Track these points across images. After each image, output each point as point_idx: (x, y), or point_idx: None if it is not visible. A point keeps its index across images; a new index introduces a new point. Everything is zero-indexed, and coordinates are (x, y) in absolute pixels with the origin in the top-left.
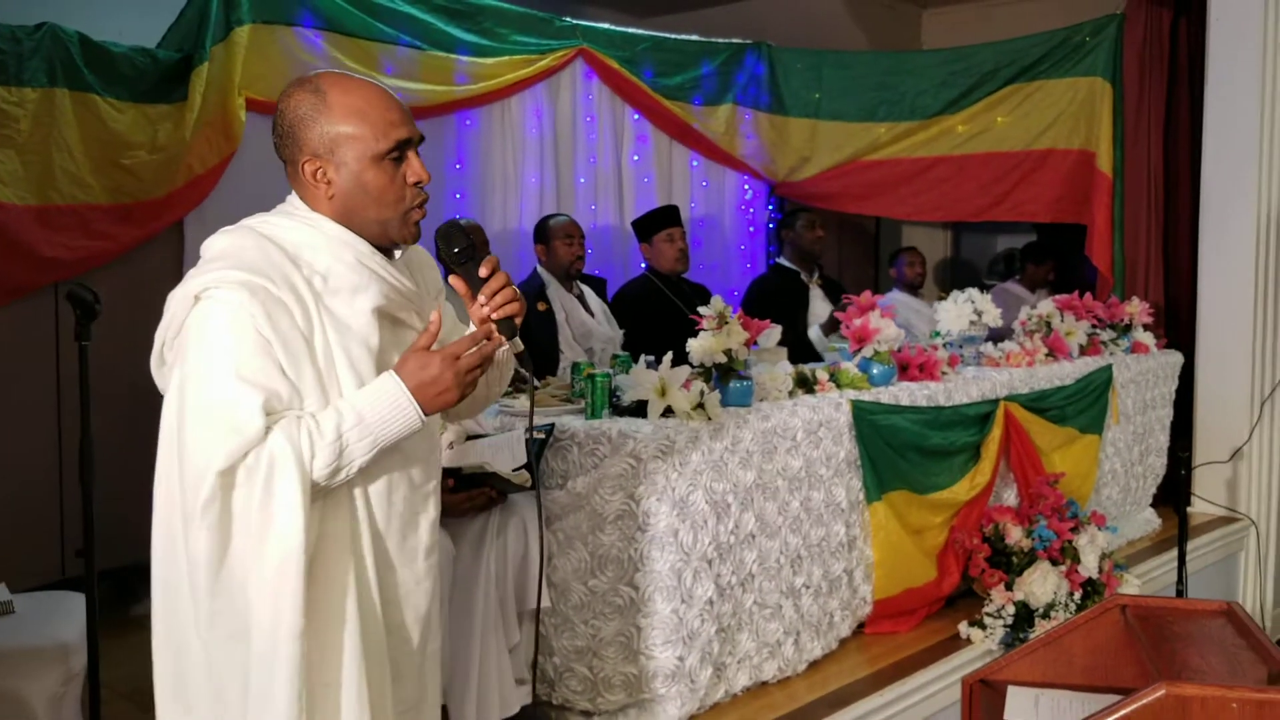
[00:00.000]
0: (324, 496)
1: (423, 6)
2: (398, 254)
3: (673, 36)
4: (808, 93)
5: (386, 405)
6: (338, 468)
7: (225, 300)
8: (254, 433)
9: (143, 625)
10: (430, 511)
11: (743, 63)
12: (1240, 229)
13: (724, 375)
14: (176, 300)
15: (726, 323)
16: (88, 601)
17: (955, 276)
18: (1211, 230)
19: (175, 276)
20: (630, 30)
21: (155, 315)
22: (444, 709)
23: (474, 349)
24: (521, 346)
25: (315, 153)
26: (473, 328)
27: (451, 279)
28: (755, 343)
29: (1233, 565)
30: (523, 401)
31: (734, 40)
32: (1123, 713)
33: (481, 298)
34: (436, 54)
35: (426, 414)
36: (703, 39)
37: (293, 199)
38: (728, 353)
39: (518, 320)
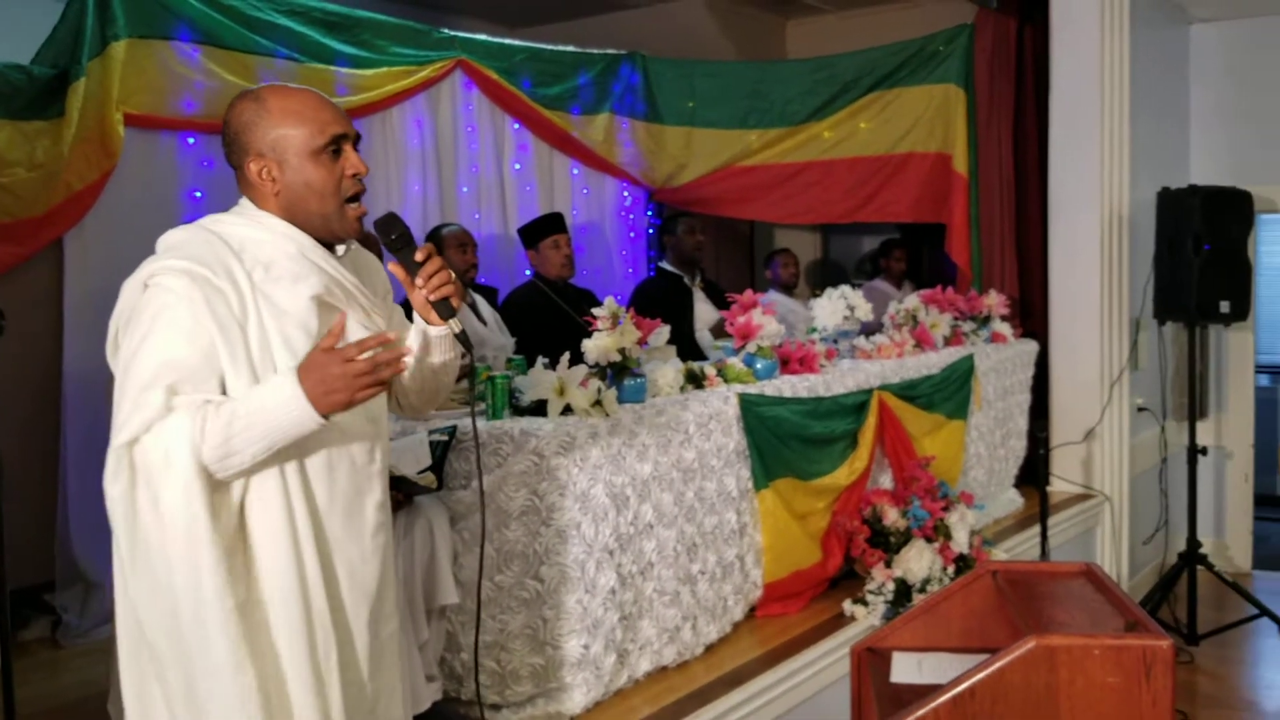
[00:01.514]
0: (251, 474)
1: (300, 19)
2: (340, 250)
3: (549, 47)
4: (682, 101)
5: (278, 402)
6: (227, 454)
7: (169, 286)
8: (155, 411)
9: (30, 651)
10: (376, 493)
11: (618, 73)
12: (1086, 224)
13: (619, 373)
14: (129, 288)
15: (620, 323)
16: (0, 619)
17: (826, 276)
18: (1060, 226)
19: (56, 295)
20: (507, 41)
21: (38, 334)
22: None
23: (367, 353)
24: (460, 328)
25: (260, 153)
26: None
27: (390, 265)
28: (646, 342)
29: (1090, 539)
30: None
31: (609, 51)
32: (998, 665)
33: (419, 281)
34: (315, 66)
35: (321, 413)
36: (579, 50)
37: (243, 201)
38: (622, 351)
39: (455, 302)
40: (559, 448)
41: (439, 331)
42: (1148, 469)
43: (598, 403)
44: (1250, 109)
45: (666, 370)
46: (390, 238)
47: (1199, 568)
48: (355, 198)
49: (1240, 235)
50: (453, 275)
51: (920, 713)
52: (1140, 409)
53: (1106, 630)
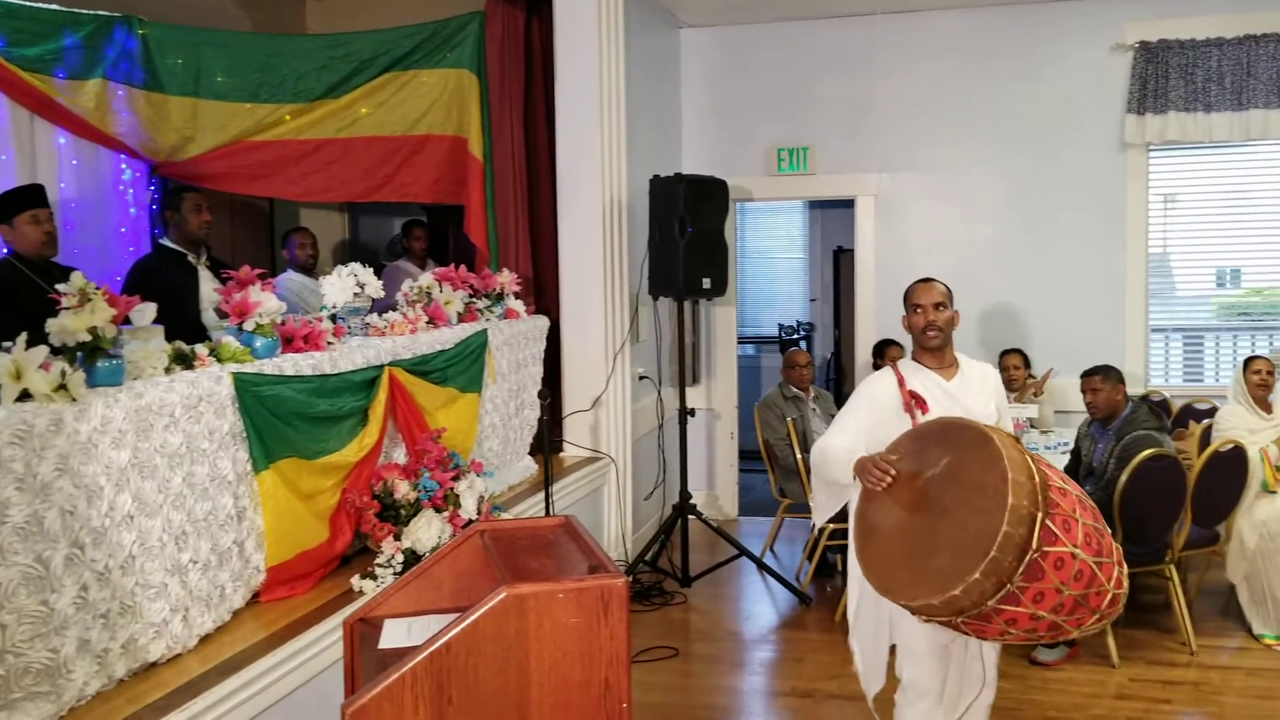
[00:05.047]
0: None
1: None
2: None
3: (27, 4)
4: (186, 71)
5: None
6: None
7: None
8: None
9: None
10: None
11: (112, 36)
12: (589, 208)
13: (90, 355)
14: None
15: (90, 299)
16: None
17: (355, 257)
18: (567, 209)
19: None
20: None
21: None
22: None
23: None
24: None
25: None
26: None
27: None
28: (128, 321)
29: (599, 498)
30: None
31: (100, 12)
32: (472, 618)
33: None
34: None
35: None
36: (63, 9)
37: None
38: (92, 331)
39: None
40: (13, 438)
41: None
42: (648, 431)
43: (62, 387)
44: (730, 107)
45: (149, 350)
46: None
47: (690, 517)
48: None
49: (718, 220)
50: None
51: (399, 673)
52: (641, 377)
53: (573, 575)
